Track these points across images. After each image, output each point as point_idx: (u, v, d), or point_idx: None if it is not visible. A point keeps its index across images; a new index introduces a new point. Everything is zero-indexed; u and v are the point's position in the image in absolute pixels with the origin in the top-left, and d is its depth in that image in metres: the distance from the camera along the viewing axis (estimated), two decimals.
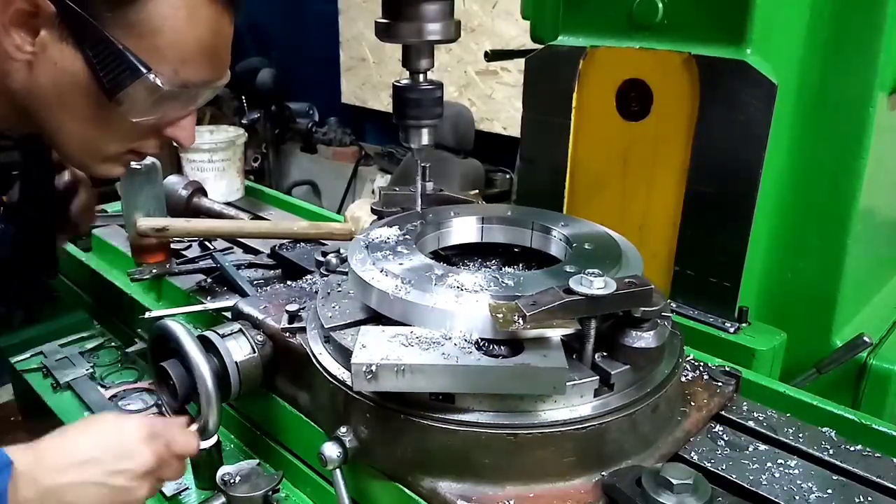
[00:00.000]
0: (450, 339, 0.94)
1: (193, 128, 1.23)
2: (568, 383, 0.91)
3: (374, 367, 0.88)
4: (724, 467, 1.03)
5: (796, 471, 1.03)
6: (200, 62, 1.11)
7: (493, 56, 2.14)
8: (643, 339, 0.97)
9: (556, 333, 0.92)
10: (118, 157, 1.22)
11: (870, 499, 0.98)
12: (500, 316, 0.90)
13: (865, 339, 1.46)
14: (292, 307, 1.19)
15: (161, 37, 1.05)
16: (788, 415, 1.18)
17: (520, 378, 0.89)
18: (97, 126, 1.13)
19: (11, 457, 0.90)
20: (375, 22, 1.29)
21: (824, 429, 1.14)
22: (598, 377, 0.95)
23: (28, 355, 1.83)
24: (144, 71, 1.05)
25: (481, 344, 0.94)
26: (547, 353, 0.90)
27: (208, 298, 1.64)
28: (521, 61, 1.76)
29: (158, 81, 1.06)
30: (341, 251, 1.39)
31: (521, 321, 0.89)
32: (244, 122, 5.45)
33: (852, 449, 1.09)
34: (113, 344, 1.88)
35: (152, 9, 1.03)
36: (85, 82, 1.06)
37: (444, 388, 0.92)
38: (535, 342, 0.92)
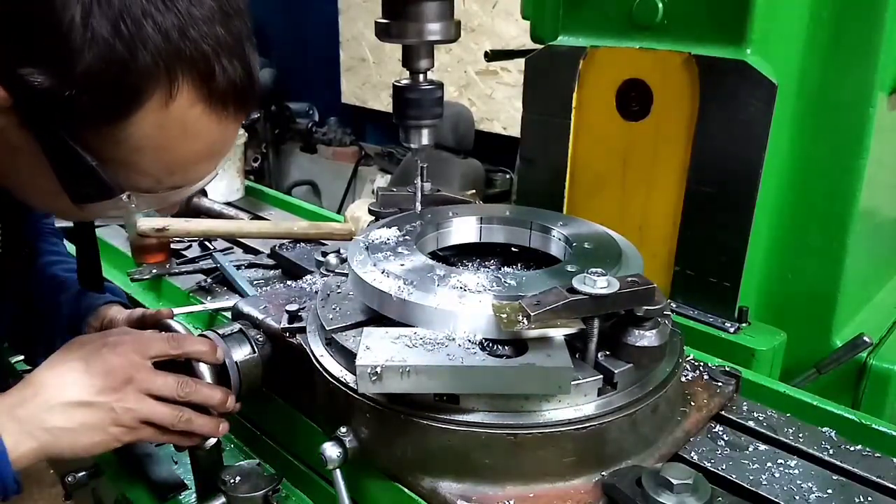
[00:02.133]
0: (454, 339, 0.94)
1: (177, 205, 1.13)
2: (573, 383, 0.91)
3: (378, 369, 0.88)
4: (724, 467, 1.03)
5: (796, 471, 1.03)
6: (193, 169, 0.96)
7: (493, 56, 2.14)
8: (646, 337, 0.97)
9: (559, 333, 0.92)
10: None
11: (870, 499, 0.98)
12: (504, 316, 0.90)
13: (865, 339, 1.47)
14: (292, 307, 1.18)
15: (143, 154, 0.88)
16: (788, 415, 1.18)
17: (525, 378, 0.89)
18: (65, 204, 0.94)
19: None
20: (375, 22, 1.29)
21: (824, 429, 1.14)
22: (601, 376, 0.95)
23: None
24: (116, 192, 0.90)
25: (485, 344, 0.94)
26: (551, 352, 0.90)
27: (208, 298, 1.65)
28: (521, 61, 1.76)
29: (132, 203, 0.93)
30: (341, 251, 1.39)
31: (525, 321, 0.88)
32: (244, 122, 5.45)
33: (852, 449, 1.09)
34: None
35: (133, 131, 0.85)
36: (48, 175, 0.88)
37: (448, 389, 0.91)
38: (539, 342, 0.92)
